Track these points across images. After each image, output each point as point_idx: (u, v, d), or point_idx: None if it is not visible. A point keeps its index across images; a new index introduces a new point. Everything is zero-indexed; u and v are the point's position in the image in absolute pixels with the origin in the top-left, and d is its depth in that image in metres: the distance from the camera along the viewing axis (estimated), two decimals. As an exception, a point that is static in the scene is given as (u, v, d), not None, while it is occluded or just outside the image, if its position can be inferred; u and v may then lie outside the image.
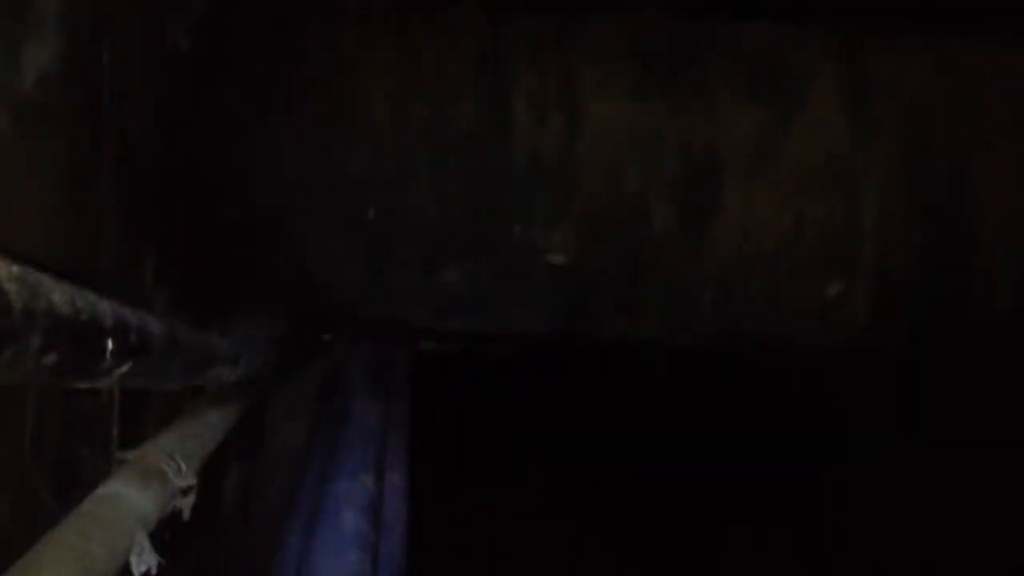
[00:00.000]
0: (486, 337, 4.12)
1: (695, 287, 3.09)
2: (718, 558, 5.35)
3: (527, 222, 3.04)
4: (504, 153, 3.04)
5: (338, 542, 2.60)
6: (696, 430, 5.31)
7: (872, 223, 3.11)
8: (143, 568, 1.81)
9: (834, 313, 3.11)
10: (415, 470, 3.71)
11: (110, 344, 1.06)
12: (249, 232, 3.10)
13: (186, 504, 2.14)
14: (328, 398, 4.18)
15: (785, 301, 3.06)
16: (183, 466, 2.18)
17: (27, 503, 1.86)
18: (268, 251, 3.19)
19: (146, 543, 1.83)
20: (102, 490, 1.87)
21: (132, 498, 1.87)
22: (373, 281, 3.17)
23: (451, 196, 3.06)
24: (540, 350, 4.83)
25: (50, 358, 0.90)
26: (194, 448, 2.37)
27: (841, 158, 3.11)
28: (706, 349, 3.40)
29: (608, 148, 3.01)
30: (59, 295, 0.92)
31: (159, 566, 1.86)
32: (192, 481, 2.16)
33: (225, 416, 2.84)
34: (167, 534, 2.16)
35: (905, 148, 3.14)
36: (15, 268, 0.83)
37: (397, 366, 4.67)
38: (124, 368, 1.18)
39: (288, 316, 3.69)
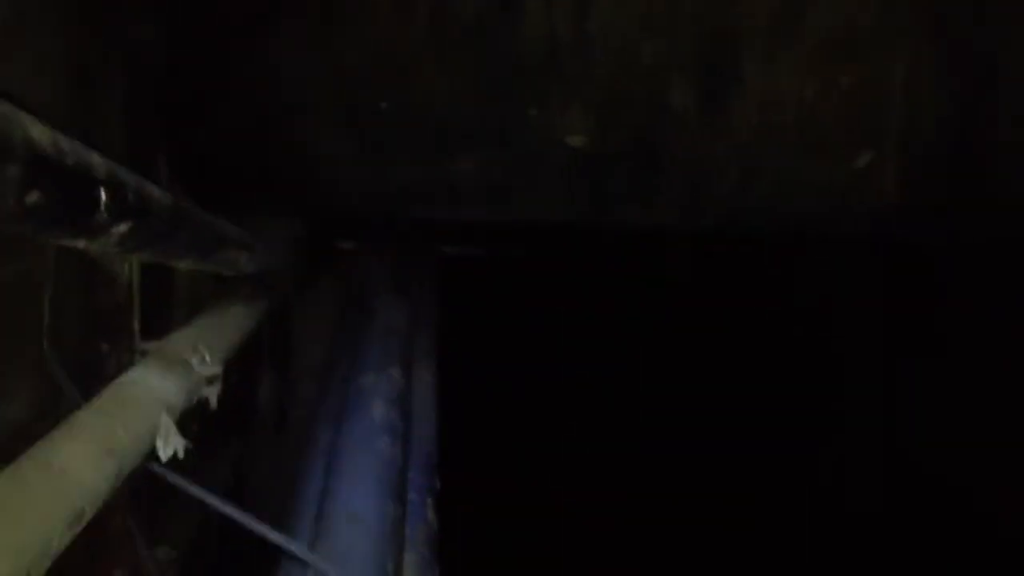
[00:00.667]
0: (503, 228, 4.08)
1: (716, 167, 3.02)
2: (732, 443, 5.33)
3: (541, 106, 2.96)
4: (514, 38, 2.95)
5: (367, 431, 2.61)
6: (719, 318, 5.26)
7: (900, 94, 3.02)
8: (169, 451, 1.82)
9: (862, 188, 3.04)
10: (442, 366, 3.72)
11: (103, 195, 1.04)
12: (258, 135, 3.05)
13: (212, 393, 2.15)
14: (353, 301, 4.18)
15: (810, 177, 2.99)
16: (207, 356, 2.19)
17: (48, 396, 1.87)
18: (278, 154, 3.15)
19: (171, 427, 1.84)
20: (124, 377, 1.87)
21: (155, 384, 1.88)
22: (386, 177, 3.12)
23: (462, 85, 2.99)
24: (559, 242, 4.79)
25: (33, 197, 0.88)
26: (218, 340, 2.37)
27: (867, 28, 3.00)
28: (728, 233, 3.33)
29: (621, 26, 2.92)
30: (40, 132, 0.89)
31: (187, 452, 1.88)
32: (217, 370, 2.17)
33: (248, 312, 2.85)
34: (195, 426, 2.19)
35: (933, 18, 3.02)
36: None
37: (421, 268, 4.66)
38: (123, 227, 1.16)
39: (304, 218, 3.67)
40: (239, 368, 3.80)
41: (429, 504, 2.61)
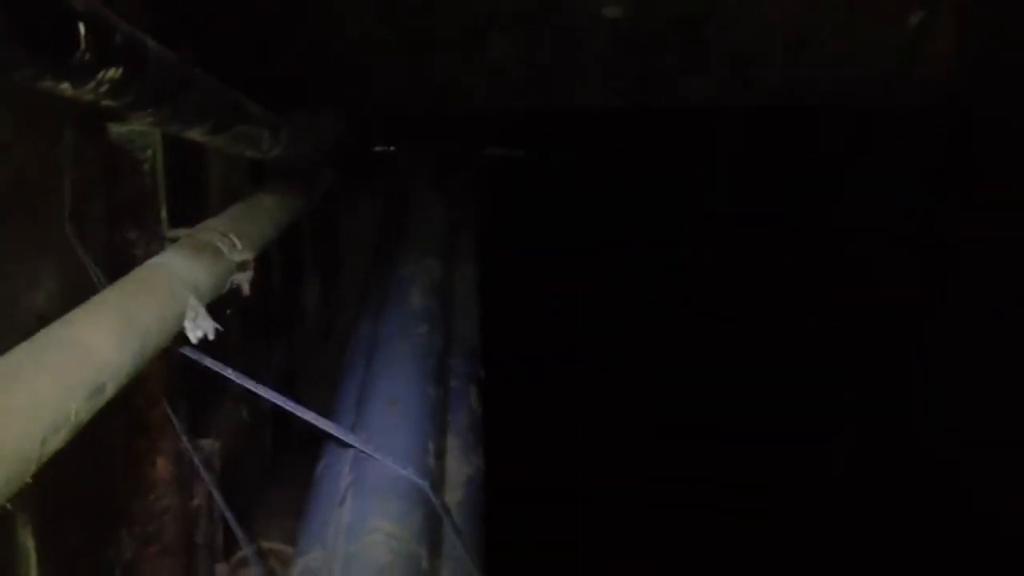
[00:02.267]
0: (545, 123, 3.97)
1: (763, 37, 2.87)
2: (773, 319, 5.21)
3: (580, -20, 2.83)
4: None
5: (405, 319, 2.57)
6: (766, 196, 5.09)
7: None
8: (199, 333, 1.79)
9: (915, 53, 2.87)
10: (485, 263, 3.66)
11: (82, 30, 0.96)
12: (292, 20, 2.96)
13: (244, 279, 2.10)
14: (394, 202, 4.12)
15: (861, 42, 2.82)
16: (238, 243, 2.14)
17: (74, 280, 1.84)
18: (313, 42, 3.06)
19: (200, 309, 1.80)
20: (151, 261, 1.84)
21: (182, 267, 1.83)
22: (424, 65, 3.02)
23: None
24: (599, 138, 4.65)
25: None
26: (250, 229, 2.32)
27: None
28: (775, 107, 3.19)
29: None
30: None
31: (216, 334, 1.84)
32: (248, 256, 2.12)
33: (283, 205, 2.79)
34: (227, 310, 2.15)
35: None
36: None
37: (461, 168, 4.58)
38: (112, 73, 1.08)
39: (342, 113, 3.59)
40: (284, 264, 3.80)
41: (472, 391, 2.58)
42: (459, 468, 2.19)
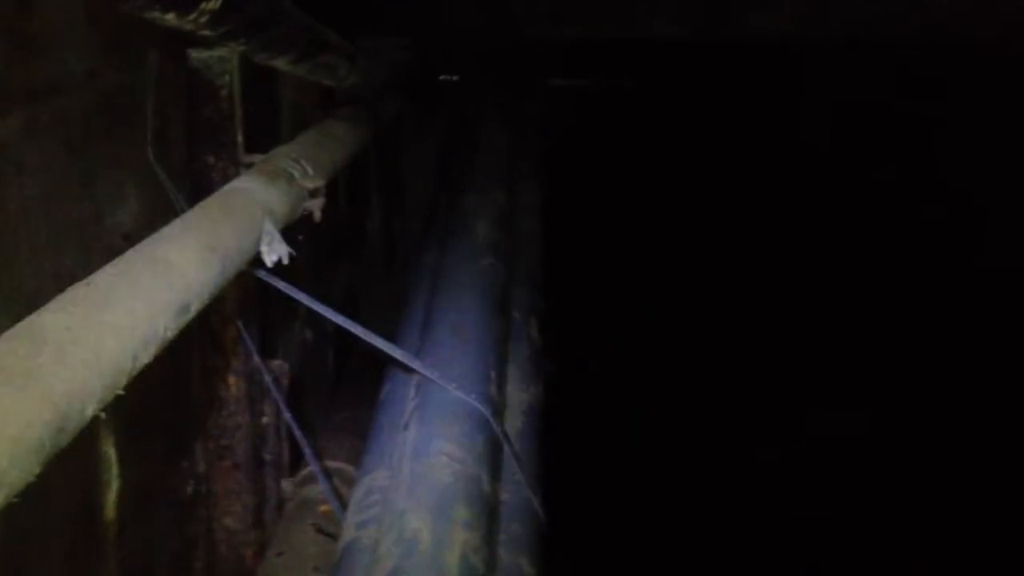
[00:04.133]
0: (611, 45, 3.92)
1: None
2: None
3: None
4: None
5: (470, 249, 2.61)
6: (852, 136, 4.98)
7: None
8: (274, 257, 1.84)
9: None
10: (548, 193, 3.68)
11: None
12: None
13: (315, 205, 2.15)
14: (459, 131, 4.14)
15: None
16: (310, 170, 2.19)
17: (156, 201, 1.90)
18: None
19: (275, 233, 1.85)
20: (229, 185, 1.89)
21: (258, 192, 1.88)
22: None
23: None
24: (668, 71, 4.58)
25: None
26: (322, 156, 2.37)
27: None
28: (849, 43, 3.12)
29: None
30: None
31: (291, 258, 1.90)
32: (320, 183, 2.17)
33: (354, 132, 2.83)
34: (299, 235, 2.21)
35: None
36: None
37: (526, 98, 4.57)
38: (213, 3, 1.11)
39: (411, 41, 3.60)
40: (350, 190, 3.85)
41: (533, 322, 2.62)
42: (519, 396, 2.24)
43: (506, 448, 1.93)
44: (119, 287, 1.28)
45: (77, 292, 1.25)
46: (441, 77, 4.68)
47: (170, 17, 1.06)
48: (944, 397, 4.80)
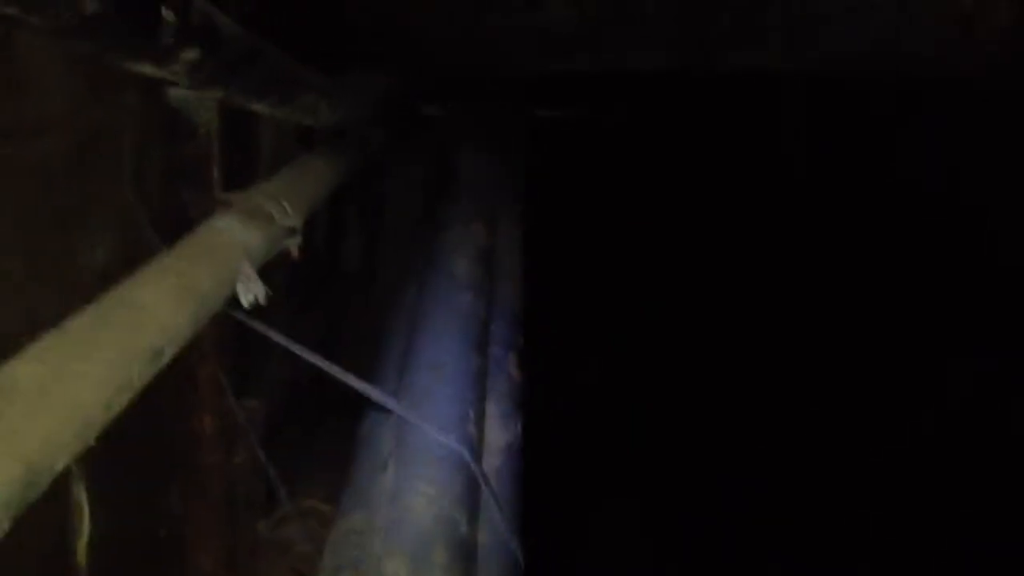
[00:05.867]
0: (595, 85, 3.95)
1: (821, 9, 2.84)
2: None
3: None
4: None
5: (449, 286, 2.60)
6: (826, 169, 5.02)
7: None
8: (250, 297, 1.83)
9: (972, 28, 2.82)
10: (530, 225, 3.67)
11: (166, 12, 0.99)
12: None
13: (293, 244, 2.14)
14: (440, 162, 4.13)
15: (919, 15, 2.78)
16: (289, 208, 2.17)
17: (131, 243, 1.89)
18: (362, 4, 3.06)
19: (252, 273, 1.84)
20: (206, 224, 1.87)
21: (236, 232, 1.87)
22: (475, 25, 3.02)
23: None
24: (652, 101, 4.60)
25: (91, 6, 0.83)
26: (300, 193, 2.36)
27: None
28: (836, 75, 3.15)
29: None
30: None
31: (267, 298, 1.89)
32: (298, 222, 2.16)
33: (333, 168, 2.82)
34: (279, 277, 2.20)
35: None
36: None
37: (509, 129, 4.57)
38: (191, 54, 1.11)
39: (391, 75, 3.60)
40: (328, 226, 3.84)
41: (512, 358, 2.61)
42: (498, 434, 2.23)
43: (484, 488, 1.91)
44: (93, 334, 1.27)
45: (51, 340, 1.23)
46: (425, 109, 4.68)
47: (148, 69, 1.06)
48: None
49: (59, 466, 1.09)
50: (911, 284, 4.93)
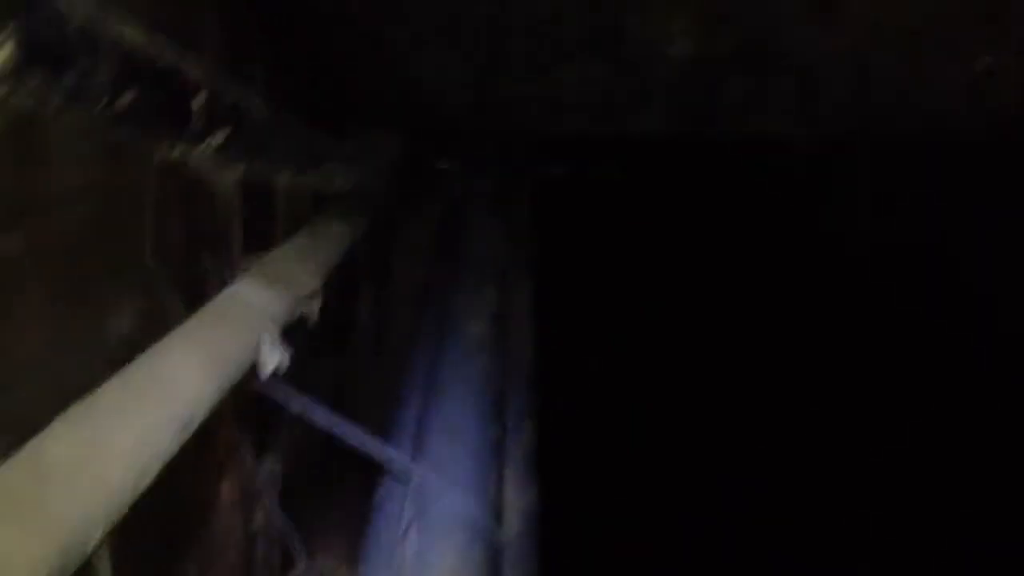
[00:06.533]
0: (604, 147, 3.98)
1: (829, 73, 2.87)
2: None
3: (644, 13, 2.85)
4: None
5: (466, 349, 2.61)
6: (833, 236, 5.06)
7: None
8: (272, 364, 1.83)
9: (982, 93, 2.85)
10: (540, 285, 3.69)
11: (197, 100, 1.01)
12: (356, 45, 3.00)
13: (312, 308, 2.15)
14: (450, 221, 4.16)
15: (928, 79, 2.81)
16: (306, 272, 2.19)
17: (154, 307, 1.90)
18: (376, 67, 3.10)
19: (276, 341, 1.85)
20: (228, 291, 1.89)
21: (257, 298, 1.88)
22: (486, 88, 3.06)
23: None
24: (658, 161, 4.63)
25: (125, 99, 0.85)
26: (317, 257, 2.37)
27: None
28: (843, 141, 3.18)
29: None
30: (133, 32, 0.86)
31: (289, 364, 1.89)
32: (317, 286, 2.17)
33: (347, 230, 2.84)
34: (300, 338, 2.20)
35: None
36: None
37: (518, 188, 4.61)
38: (219, 137, 1.13)
39: (403, 134, 3.64)
40: (337, 287, 3.85)
41: (528, 422, 2.60)
42: (516, 500, 2.22)
43: (505, 557, 1.90)
44: (122, 405, 1.27)
45: (80, 412, 1.24)
46: (435, 165, 4.72)
47: (179, 151, 1.08)
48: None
49: (91, 545, 1.09)
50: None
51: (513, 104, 3.07)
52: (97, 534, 1.11)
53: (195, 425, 1.43)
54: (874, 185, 4.84)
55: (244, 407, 2.24)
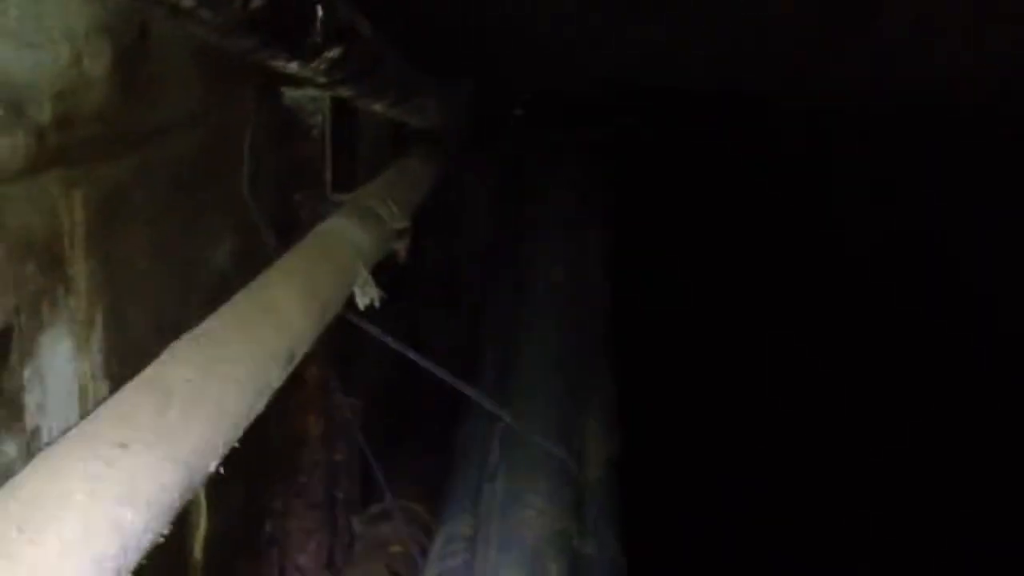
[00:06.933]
0: (673, 93, 3.88)
1: (901, 35, 2.77)
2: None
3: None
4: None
5: (551, 296, 2.59)
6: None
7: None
8: (366, 300, 1.84)
9: None
10: (614, 235, 3.65)
11: (319, 11, 0.99)
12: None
13: (401, 246, 2.15)
14: (524, 166, 4.13)
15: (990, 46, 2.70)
16: (396, 210, 2.18)
17: (251, 241, 1.90)
18: (466, 15, 3.05)
19: (369, 277, 1.85)
20: (323, 226, 1.88)
21: (351, 233, 1.88)
22: (561, 33, 2.99)
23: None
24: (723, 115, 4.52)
25: (256, 2, 0.83)
26: (405, 195, 2.36)
27: None
28: (910, 106, 3.08)
29: None
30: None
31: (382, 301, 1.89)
32: (406, 224, 2.16)
33: (428, 170, 2.83)
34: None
35: None
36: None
37: (591, 138, 4.55)
38: (334, 52, 1.11)
39: (477, 79, 3.61)
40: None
41: (608, 372, 2.59)
42: (598, 447, 2.21)
43: (592, 501, 1.90)
44: (233, 336, 1.28)
45: (194, 342, 1.24)
46: (506, 113, 4.68)
47: (293, 66, 1.07)
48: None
49: (211, 468, 1.09)
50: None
51: (586, 56, 3.01)
52: (216, 458, 1.11)
53: (299, 357, 1.43)
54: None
55: (333, 344, 2.25)
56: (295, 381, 2.20)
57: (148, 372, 1.15)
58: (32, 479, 0.89)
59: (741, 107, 4.01)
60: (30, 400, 1.14)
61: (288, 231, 2.03)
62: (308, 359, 2.19)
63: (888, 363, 5.05)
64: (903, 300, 4.98)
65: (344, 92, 1.43)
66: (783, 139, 4.74)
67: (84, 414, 1.22)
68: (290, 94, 2.08)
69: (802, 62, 2.96)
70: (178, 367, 1.17)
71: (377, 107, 1.80)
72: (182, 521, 1.68)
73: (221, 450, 1.15)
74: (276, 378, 1.33)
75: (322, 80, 1.29)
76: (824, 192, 5.18)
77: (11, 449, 1.16)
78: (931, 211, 4.71)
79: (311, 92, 2.09)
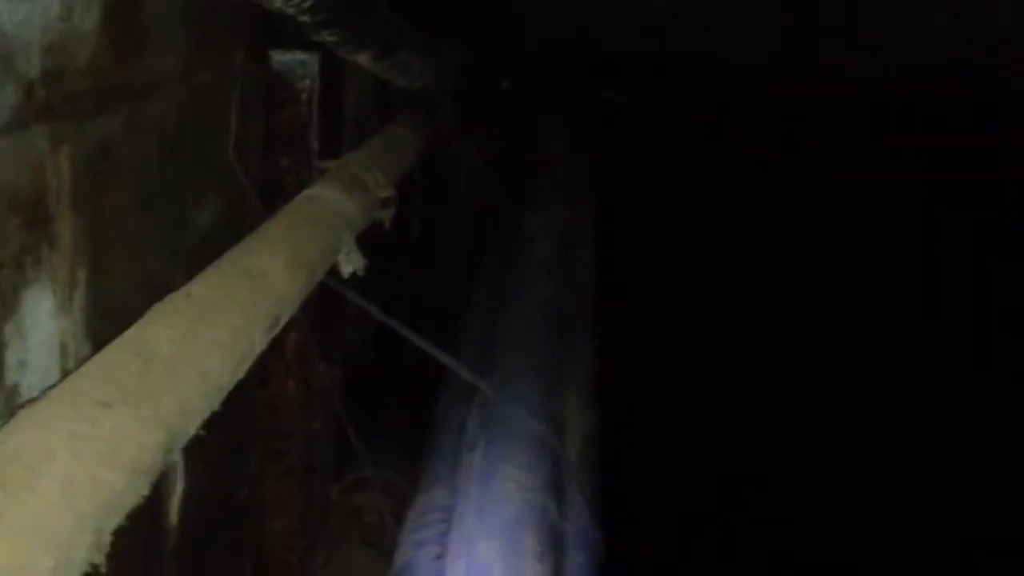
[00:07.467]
0: (692, 71, 3.88)
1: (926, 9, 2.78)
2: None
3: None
4: None
5: (531, 268, 2.59)
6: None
7: None
8: (350, 269, 1.83)
9: None
10: (605, 206, 3.65)
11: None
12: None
13: (386, 215, 2.14)
14: (515, 136, 4.11)
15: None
16: (381, 178, 2.17)
17: (235, 204, 1.89)
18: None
19: (354, 245, 1.84)
20: (309, 192, 1.87)
21: (337, 201, 1.86)
22: (568, 12, 2.98)
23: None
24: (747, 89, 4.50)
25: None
26: (391, 164, 2.35)
27: None
28: (941, 87, 3.08)
29: None
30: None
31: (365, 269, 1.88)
32: (392, 192, 2.15)
33: (416, 138, 2.82)
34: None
35: None
36: None
37: (585, 111, 4.53)
38: None
39: (471, 44, 3.58)
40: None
41: (590, 345, 2.60)
42: (578, 421, 2.22)
43: (571, 475, 1.90)
44: (217, 300, 1.27)
45: (178, 303, 1.23)
46: (496, 83, 4.64)
47: (277, 1, 1.05)
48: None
49: (192, 430, 1.09)
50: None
51: (601, 28, 3.00)
52: (198, 421, 1.11)
53: (283, 322, 1.43)
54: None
55: (312, 311, 2.24)
56: (275, 347, 2.20)
57: (132, 332, 1.14)
58: (14, 436, 0.88)
59: (738, 84, 4.00)
60: (11, 357, 1.12)
61: (273, 196, 2.02)
62: (288, 325, 2.18)
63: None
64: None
65: (327, 37, 1.41)
66: (783, 122, 4.74)
67: (65, 372, 1.22)
68: (278, 57, 2.06)
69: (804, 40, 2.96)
70: (162, 328, 1.16)
71: (361, 59, 1.78)
72: (158, 483, 1.68)
73: (204, 413, 1.14)
74: (260, 342, 1.32)
75: (305, 19, 1.27)
76: (825, 178, 5.18)
77: (-10, 405, 1.15)
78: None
79: (300, 55, 2.07)
